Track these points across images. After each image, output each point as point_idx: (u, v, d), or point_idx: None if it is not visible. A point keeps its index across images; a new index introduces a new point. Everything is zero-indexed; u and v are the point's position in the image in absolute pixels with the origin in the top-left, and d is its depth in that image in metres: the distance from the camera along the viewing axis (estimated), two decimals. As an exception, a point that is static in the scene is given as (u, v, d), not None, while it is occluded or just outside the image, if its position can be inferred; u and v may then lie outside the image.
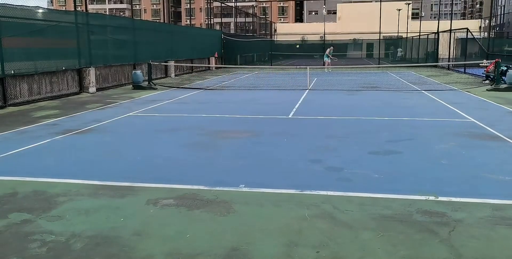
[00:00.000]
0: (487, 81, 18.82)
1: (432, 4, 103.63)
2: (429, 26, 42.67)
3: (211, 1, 40.92)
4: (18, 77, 13.56)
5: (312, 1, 77.10)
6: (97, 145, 8.04)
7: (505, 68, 17.09)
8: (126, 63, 20.43)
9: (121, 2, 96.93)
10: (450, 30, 30.10)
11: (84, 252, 3.82)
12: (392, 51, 50.02)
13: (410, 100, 14.13)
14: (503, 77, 16.94)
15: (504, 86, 16.46)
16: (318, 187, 5.42)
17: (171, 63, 25.19)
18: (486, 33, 47.45)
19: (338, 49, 50.34)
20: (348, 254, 3.74)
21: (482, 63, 20.12)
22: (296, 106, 12.73)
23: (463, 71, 26.18)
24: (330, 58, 29.34)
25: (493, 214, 4.56)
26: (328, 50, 29.73)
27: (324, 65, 29.42)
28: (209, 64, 32.71)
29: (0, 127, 9.74)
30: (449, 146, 7.62)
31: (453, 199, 5.01)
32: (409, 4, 52.86)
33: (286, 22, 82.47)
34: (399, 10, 51.61)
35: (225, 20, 69.75)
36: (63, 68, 15.79)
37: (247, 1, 79.37)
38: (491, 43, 30.61)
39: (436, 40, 33.13)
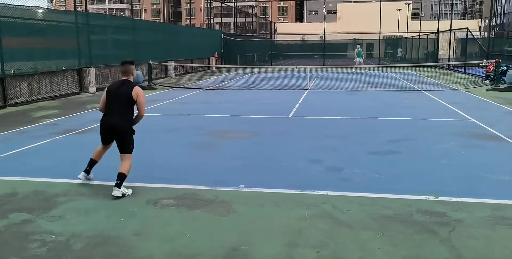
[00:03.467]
0: (487, 81, 18.82)
1: (432, 4, 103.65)
2: (429, 26, 42.64)
3: (211, 1, 40.91)
4: (18, 77, 13.56)
5: (312, 1, 77.10)
6: (97, 145, 8.01)
7: (505, 68, 17.09)
8: (126, 63, 20.39)
9: (121, 2, 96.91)
10: (450, 30, 30.09)
11: (84, 252, 3.82)
12: (392, 51, 50.00)
13: (410, 100, 14.13)
14: (503, 77, 16.94)
15: (504, 86, 16.46)
16: (318, 187, 5.42)
17: (171, 63, 25.18)
18: (486, 33, 47.47)
19: (338, 49, 50.47)
20: (348, 254, 3.74)
21: (482, 63, 20.13)
22: (296, 106, 12.73)
23: (463, 71, 26.17)
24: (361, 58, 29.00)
25: (493, 214, 4.56)
26: (356, 50, 29.30)
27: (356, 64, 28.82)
28: (209, 64, 32.70)
29: (0, 127, 9.74)
30: (449, 146, 7.62)
31: (453, 199, 5.01)
32: (409, 4, 52.83)
33: (286, 22, 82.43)
34: (399, 10, 51.57)
35: (225, 20, 69.76)
36: (63, 68, 15.79)
37: (247, 1, 79.34)
38: (491, 43, 30.64)
39: (436, 40, 33.11)
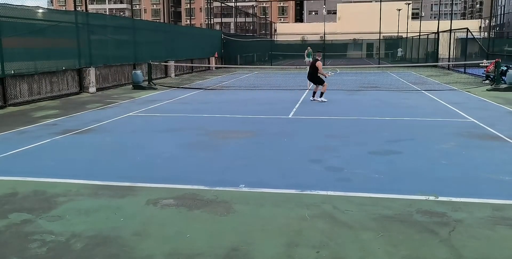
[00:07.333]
0: (487, 81, 18.82)
1: (432, 4, 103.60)
2: (429, 26, 42.65)
3: (211, 1, 40.90)
4: (18, 77, 13.56)
5: (312, 1, 77.07)
6: (97, 145, 8.04)
7: (505, 68, 17.09)
8: (126, 63, 20.42)
9: (121, 2, 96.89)
10: (450, 30, 30.09)
11: (84, 252, 3.82)
12: (393, 51, 50.01)
13: (410, 100, 14.13)
14: (503, 77, 16.94)
15: (504, 86, 16.46)
16: (318, 187, 5.42)
17: (171, 63, 25.18)
18: (486, 33, 47.48)
19: (338, 49, 50.50)
20: (348, 254, 3.74)
21: (482, 63, 20.12)
22: (296, 106, 12.73)
23: (463, 71, 26.18)
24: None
25: (493, 214, 4.56)
26: (306, 51, 31.47)
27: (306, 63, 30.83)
28: (209, 64, 32.71)
29: (0, 127, 9.75)
30: (449, 146, 7.62)
31: (453, 199, 5.01)
32: (409, 4, 52.84)
33: (286, 22, 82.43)
34: (399, 10, 51.59)
35: (225, 20, 69.76)
36: (63, 68, 15.79)
37: (247, 1, 79.32)
38: (491, 43, 30.59)
39: (436, 40, 33.12)
